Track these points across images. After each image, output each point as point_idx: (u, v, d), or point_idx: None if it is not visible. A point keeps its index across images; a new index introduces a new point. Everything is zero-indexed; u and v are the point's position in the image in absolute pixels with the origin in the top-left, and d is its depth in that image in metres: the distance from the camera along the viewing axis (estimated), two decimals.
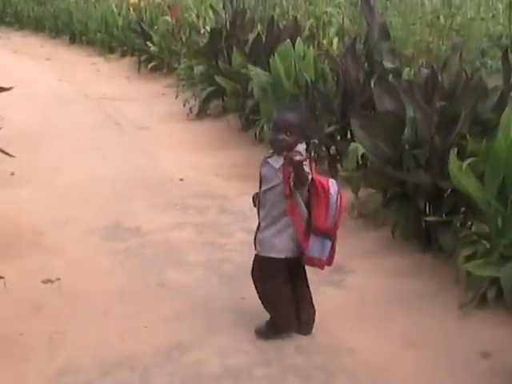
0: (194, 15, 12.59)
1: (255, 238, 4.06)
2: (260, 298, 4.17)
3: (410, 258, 5.07)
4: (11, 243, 5.48)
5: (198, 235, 5.72)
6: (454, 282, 4.53)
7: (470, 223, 4.82)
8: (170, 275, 4.98)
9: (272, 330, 4.16)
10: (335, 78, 6.73)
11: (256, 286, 4.17)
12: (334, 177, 6.33)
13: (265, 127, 7.42)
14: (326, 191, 3.81)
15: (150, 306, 4.55)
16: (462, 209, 4.83)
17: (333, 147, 6.72)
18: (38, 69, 14.44)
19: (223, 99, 9.45)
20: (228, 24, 9.35)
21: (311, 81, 6.61)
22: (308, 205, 3.86)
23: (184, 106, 9.98)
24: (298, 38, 7.17)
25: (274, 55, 7.05)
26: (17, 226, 5.82)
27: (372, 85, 5.20)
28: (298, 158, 3.56)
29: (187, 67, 10.50)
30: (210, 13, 11.07)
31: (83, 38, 17.05)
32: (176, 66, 11.35)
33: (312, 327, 4.20)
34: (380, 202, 5.51)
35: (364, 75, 6.21)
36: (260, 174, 4.01)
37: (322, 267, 4.06)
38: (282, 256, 3.95)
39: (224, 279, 4.90)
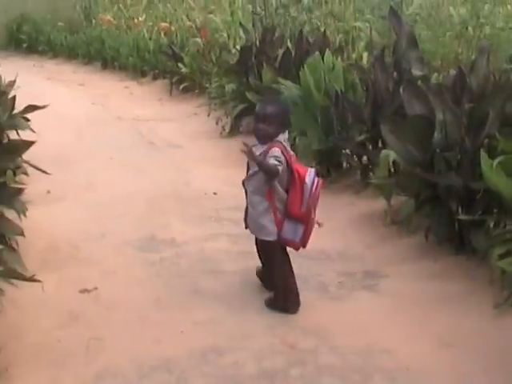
0: (224, 35, 12.75)
1: (245, 220, 4.66)
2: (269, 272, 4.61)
3: (443, 262, 5.07)
4: (48, 257, 5.56)
5: (233, 245, 5.75)
6: (489, 282, 4.53)
7: (503, 224, 4.80)
8: (205, 283, 5.02)
9: (278, 305, 4.54)
10: (365, 88, 6.76)
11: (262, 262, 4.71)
12: (366, 186, 6.44)
13: (297, 140, 7.45)
14: (302, 180, 4.21)
15: (185, 312, 4.59)
16: (495, 209, 4.81)
17: (364, 157, 6.75)
18: (71, 94, 14.63)
19: None
20: (258, 41, 9.45)
21: (341, 91, 6.65)
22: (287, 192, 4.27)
23: (216, 124, 10.08)
24: (327, 50, 7.21)
25: (303, 68, 7.09)
26: (53, 240, 5.89)
27: (401, 91, 5.20)
28: (243, 149, 4.20)
29: (218, 86, 10.59)
30: (240, 32, 11.17)
31: (115, 63, 17.22)
32: (207, 85, 11.43)
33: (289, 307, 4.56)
34: (412, 207, 5.51)
35: (393, 84, 6.24)
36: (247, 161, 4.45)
37: (296, 249, 4.47)
38: (269, 238, 4.38)
39: (260, 286, 4.92)
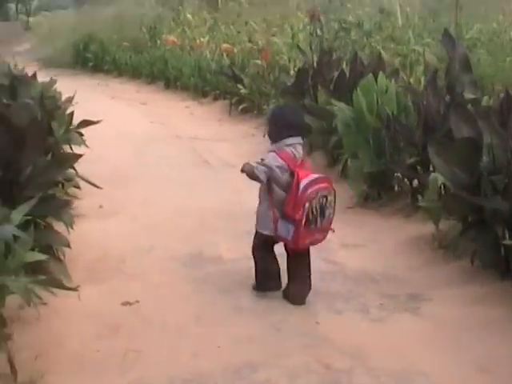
0: (285, 57, 12.83)
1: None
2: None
3: (488, 287, 4.98)
4: (95, 268, 5.65)
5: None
6: None
7: None
8: (247, 300, 5.03)
9: (257, 285, 5.14)
10: (417, 111, 6.71)
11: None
12: (416, 210, 6.38)
13: (349, 162, 7.43)
14: (298, 183, 4.60)
15: (224, 328, 4.61)
16: None
17: (415, 180, 6.70)
18: (133, 112, 14.86)
19: (310, 143, 9.54)
20: (315, 64, 9.48)
21: (392, 114, 6.62)
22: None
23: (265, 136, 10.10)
24: (381, 73, 7.18)
25: (356, 89, 7.08)
26: (102, 252, 5.99)
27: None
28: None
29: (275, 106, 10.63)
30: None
31: (177, 83, 17.44)
32: (265, 107, 11.49)
33: (304, 301, 4.97)
34: (459, 232, 5.45)
35: (444, 107, 6.18)
36: None
37: (290, 246, 4.87)
38: (265, 232, 4.91)
39: (301, 307, 4.91)
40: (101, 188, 7.13)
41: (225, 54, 15.34)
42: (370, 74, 7.23)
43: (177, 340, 4.46)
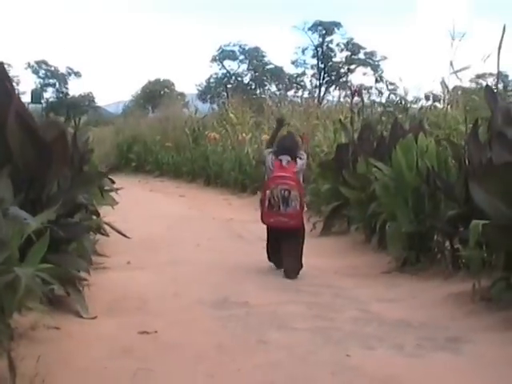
0: (325, 149, 12.77)
1: None
2: None
3: None
4: (116, 306, 5.38)
5: (309, 310, 5.45)
6: None
7: None
8: (272, 335, 4.71)
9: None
10: (457, 165, 6.47)
11: None
12: (455, 271, 6.06)
13: (387, 226, 7.13)
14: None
15: (246, 356, 4.28)
16: None
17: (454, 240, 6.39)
18: (171, 201, 14.82)
19: (348, 217, 9.33)
20: (356, 138, 9.37)
21: (433, 168, 6.39)
22: None
23: (308, 220, 9.87)
24: (421, 133, 6.99)
25: (395, 148, 6.88)
26: (125, 293, 5.74)
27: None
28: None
29: (314, 187, 10.51)
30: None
31: (218, 180, 17.48)
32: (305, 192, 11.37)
33: (296, 275, 6.75)
34: (504, 285, 5.11)
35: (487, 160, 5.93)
36: None
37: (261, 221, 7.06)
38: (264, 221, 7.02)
39: (330, 341, 4.59)
40: (129, 238, 6.94)
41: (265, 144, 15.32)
42: (410, 134, 7.05)
43: (194, 364, 4.13)
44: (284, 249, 6.86)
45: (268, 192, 6.75)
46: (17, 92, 5.07)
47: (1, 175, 4.07)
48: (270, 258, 7.13)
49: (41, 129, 4.72)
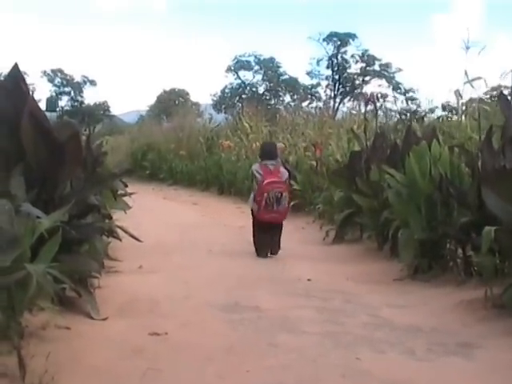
0: (338, 158, 12.77)
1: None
2: None
3: None
4: (127, 308, 5.38)
5: (319, 315, 5.44)
6: None
7: None
8: (282, 338, 4.70)
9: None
10: (470, 172, 6.45)
11: None
12: (468, 278, 6.03)
13: (399, 233, 7.10)
14: (263, 182, 8.39)
15: (256, 358, 4.27)
16: None
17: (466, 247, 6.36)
18: (184, 209, 14.84)
19: (361, 225, 9.31)
20: (368, 147, 9.35)
21: (445, 175, 6.37)
22: None
23: (320, 228, 9.89)
24: (434, 140, 6.97)
25: (408, 155, 6.86)
26: (136, 296, 5.74)
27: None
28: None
29: (327, 196, 10.51)
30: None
31: (231, 189, 17.50)
32: (316, 196, 11.40)
33: (277, 252, 8.58)
34: None
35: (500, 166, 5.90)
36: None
37: (257, 218, 8.62)
38: (252, 207, 8.64)
39: (340, 345, 4.58)
40: (141, 241, 6.96)
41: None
42: (424, 141, 7.03)
43: (203, 364, 4.11)
44: (271, 237, 8.56)
45: (266, 194, 8.32)
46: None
47: (14, 173, 4.09)
48: (257, 248, 8.56)
49: (54, 129, 4.73)
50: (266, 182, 8.29)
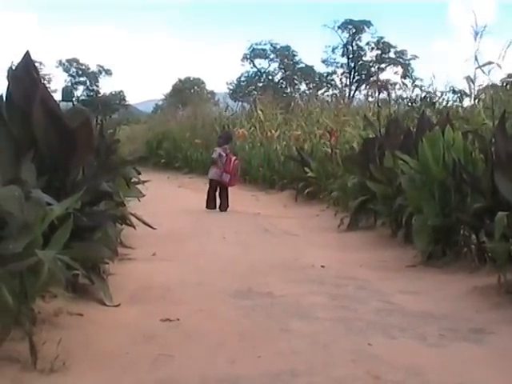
0: (355, 146, 12.74)
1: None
2: None
3: None
4: (139, 294, 5.41)
5: (332, 301, 5.43)
6: None
7: None
8: (294, 324, 4.69)
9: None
10: (484, 158, 6.42)
11: None
12: (481, 265, 6.00)
13: (413, 220, 7.06)
14: (230, 160, 12.51)
15: (267, 344, 4.26)
16: None
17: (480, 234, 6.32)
18: (199, 197, 14.75)
19: (375, 212, 9.29)
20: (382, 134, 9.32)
21: (459, 161, 6.33)
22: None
23: (335, 215, 9.88)
24: (448, 126, 6.93)
25: (422, 141, 6.83)
26: (149, 283, 5.77)
27: None
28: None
29: (341, 182, 10.49)
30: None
31: (246, 176, 17.49)
32: (331, 182, 11.41)
33: (226, 209, 12.16)
34: None
35: None
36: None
37: (227, 185, 12.45)
38: (212, 178, 12.39)
39: (352, 330, 4.56)
40: (155, 228, 6.98)
41: (293, 140, 15.38)
42: (437, 127, 6.99)
43: (215, 350, 4.12)
44: (222, 196, 12.27)
45: (238, 167, 12.88)
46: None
47: (25, 160, 4.10)
48: (209, 206, 12.13)
49: (66, 116, 4.74)
50: (234, 159, 12.66)
